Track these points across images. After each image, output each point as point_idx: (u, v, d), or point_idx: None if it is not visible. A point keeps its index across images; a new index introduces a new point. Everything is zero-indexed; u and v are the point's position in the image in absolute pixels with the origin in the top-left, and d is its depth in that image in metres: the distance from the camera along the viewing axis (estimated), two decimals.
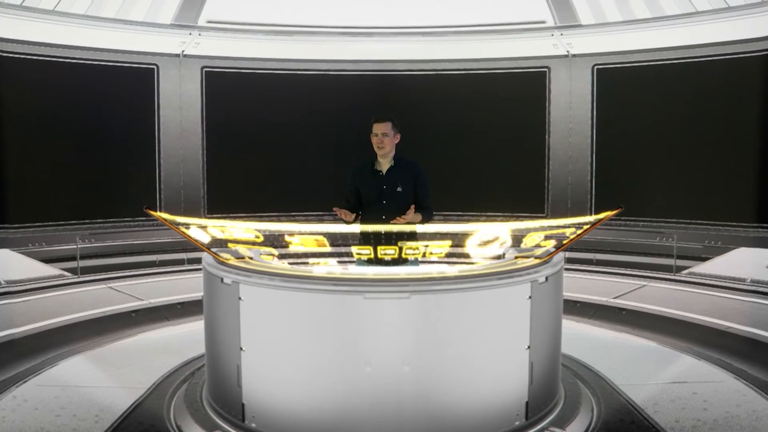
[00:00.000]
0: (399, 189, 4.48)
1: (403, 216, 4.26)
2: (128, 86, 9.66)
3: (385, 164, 4.55)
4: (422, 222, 4.40)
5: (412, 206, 4.35)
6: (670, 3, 9.14)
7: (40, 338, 5.37)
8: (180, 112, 10.03)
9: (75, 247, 8.32)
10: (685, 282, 7.41)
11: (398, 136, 4.53)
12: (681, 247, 8.56)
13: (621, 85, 9.68)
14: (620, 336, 5.65)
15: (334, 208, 4.42)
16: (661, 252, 8.93)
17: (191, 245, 3.80)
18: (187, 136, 10.07)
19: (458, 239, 3.67)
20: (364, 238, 4.03)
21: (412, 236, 4.01)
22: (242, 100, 10.25)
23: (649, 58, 9.39)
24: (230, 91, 10.21)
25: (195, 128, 10.12)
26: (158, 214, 3.52)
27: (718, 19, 8.66)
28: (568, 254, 8.56)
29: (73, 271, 7.91)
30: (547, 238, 3.70)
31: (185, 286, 7.11)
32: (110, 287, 7.23)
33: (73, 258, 8.23)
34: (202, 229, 3.55)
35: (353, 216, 4.49)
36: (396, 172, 4.53)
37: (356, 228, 4.13)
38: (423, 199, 4.55)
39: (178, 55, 9.91)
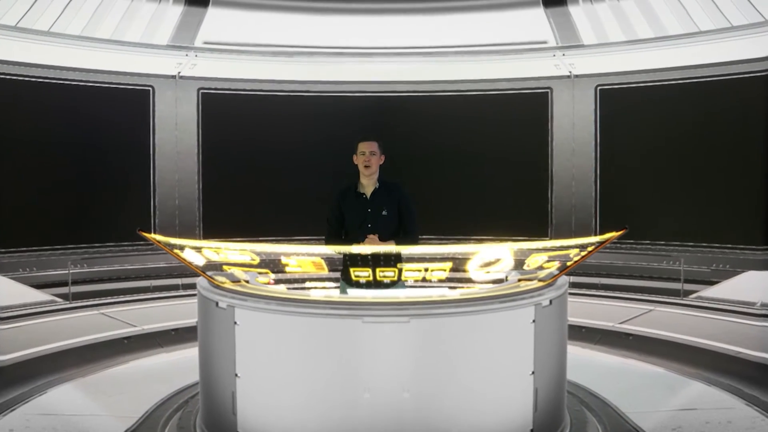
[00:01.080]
0: (384, 213, 4.45)
1: (380, 240, 4.26)
2: (123, 108, 9.69)
3: (369, 187, 4.53)
4: (408, 244, 4.37)
5: (391, 242, 4.32)
6: (673, 22, 9.24)
7: (29, 365, 5.33)
8: (175, 135, 10.06)
9: (67, 272, 8.29)
10: (694, 306, 7.37)
11: (383, 157, 4.53)
12: (688, 270, 8.53)
13: (625, 106, 9.72)
14: (627, 362, 5.61)
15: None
16: (668, 276, 8.89)
17: (186, 270, 3.79)
18: (183, 158, 10.09)
19: (459, 261, 3.66)
20: (352, 262, 4.05)
21: (397, 258, 4.03)
22: (240, 122, 10.28)
23: (653, 79, 9.44)
24: (227, 113, 10.24)
25: (191, 151, 10.14)
26: (152, 236, 3.52)
27: (721, 38, 8.74)
28: (573, 278, 8.52)
29: (64, 296, 7.87)
30: (550, 259, 3.69)
31: (180, 311, 7.07)
32: (102, 313, 7.20)
33: (64, 283, 8.19)
34: (197, 251, 3.55)
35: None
36: (381, 196, 4.50)
37: (353, 249, 4.14)
38: (409, 223, 4.52)
39: (174, 77, 9.97)
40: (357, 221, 4.49)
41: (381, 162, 4.52)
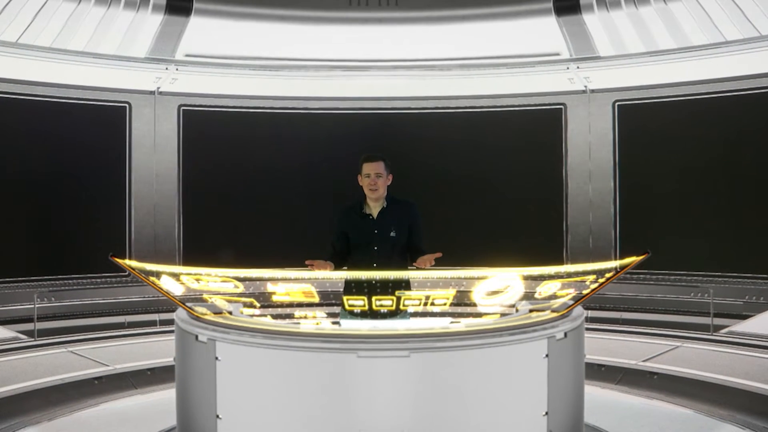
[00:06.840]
0: (392, 234, 4.51)
1: (428, 258, 4.30)
2: (96, 126, 9.74)
3: (375, 207, 4.57)
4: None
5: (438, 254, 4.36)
6: (697, 32, 9.32)
7: None
8: (154, 156, 10.10)
9: (32, 306, 8.27)
10: (725, 342, 7.35)
11: (390, 176, 4.58)
12: (718, 303, 8.51)
13: (646, 123, 9.77)
14: (651, 403, 5.58)
15: (307, 262, 4.31)
16: (696, 309, 8.88)
17: (164, 304, 3.80)
18: (162, 182, 10.11)
19: (464, 289, 3.66)
20: (354, 288, 4.03)
21: (407, 285, 4.02)
22: (224, 142, 10.32)
23: (676, 93, 9.50)
24: (211, 132, 10.29)
25: (170, 173, 10.17)
26: (124, 261, 3.52)
27: (750, 49, 8.79)
28: (591, 313, 8.49)
29: (29, 333, 7.83)
30: (564, 288, 3.68)
31: (156, 349, 7.05)
32: (71, 351, 7.16)
33: (29, 319, 8.17)
34: (175, 278, 3.55)
35: (332, 266, 4.39)
36: (388, 215, 4.55)
37: (347, 275, 4.14)
38: (418, 241, 4.61)
39: (152, 92, 10.04)
40: (362, 243, 4.53)
41: (389, 182, 4.57)
